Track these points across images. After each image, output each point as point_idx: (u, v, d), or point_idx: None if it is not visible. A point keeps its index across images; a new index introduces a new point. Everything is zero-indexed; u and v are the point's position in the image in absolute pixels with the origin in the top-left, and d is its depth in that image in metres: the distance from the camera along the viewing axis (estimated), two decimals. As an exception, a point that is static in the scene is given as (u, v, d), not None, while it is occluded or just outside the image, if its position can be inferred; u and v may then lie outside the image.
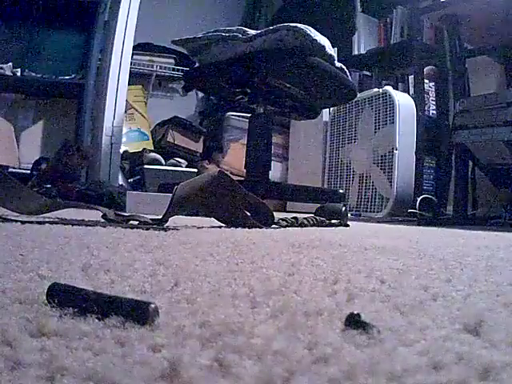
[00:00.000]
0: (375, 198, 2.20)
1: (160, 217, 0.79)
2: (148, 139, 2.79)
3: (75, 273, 0.32)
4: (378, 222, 1.77)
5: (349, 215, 1.79)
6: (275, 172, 2.50)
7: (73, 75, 2.42)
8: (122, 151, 2.34)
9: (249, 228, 0.85)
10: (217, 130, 2.89)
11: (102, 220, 0.81)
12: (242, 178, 1.70)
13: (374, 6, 2.64)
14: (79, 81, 2.38)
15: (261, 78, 1.52)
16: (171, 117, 2.80)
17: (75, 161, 1.85)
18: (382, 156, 2.19)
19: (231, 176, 0.86)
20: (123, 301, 0.21)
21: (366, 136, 2.29)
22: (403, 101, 2.17)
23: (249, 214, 0.89)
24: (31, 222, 0.70)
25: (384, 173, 2.16)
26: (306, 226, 1.02)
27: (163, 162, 2.61)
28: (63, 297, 0.22)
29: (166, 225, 0.79)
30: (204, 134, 2.87)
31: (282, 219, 0.99)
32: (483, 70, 2.17)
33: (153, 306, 0.21)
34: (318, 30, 1.42)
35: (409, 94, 2.34)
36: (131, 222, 0.81)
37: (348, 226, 1.14)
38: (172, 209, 0.77)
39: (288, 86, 1.56)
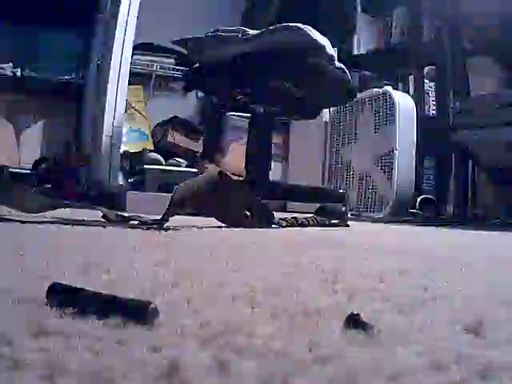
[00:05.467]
0: (375, 198, 2.20)
1: (160, 217, 0.79)
2: (148, 139, 2.79)
3: (75, 273, 0.32)
4: (378, 221, 1.77)
5: (349, 215, 1.79)
6: (275, 172, 2.49)
7: (73, 75, 2.41)
8: (122, 151, 2.34)
9: (249, 228, 0.85)
10: (217, 130, 2.89)
11: (102, 220, 0.81)
12: (242, 178, 1.70)
13: (374, 6, 2.64)
14: (79, 81, 2.38)
15: (261, 78, 1.52)
16: (171, 117, 2.79)
17: (75, 161, 1.85)
18: (381, 156, 2.19)
19: (231, 176, 0.86)
20: (123, 301, 0.21)
21: (365, 136, 2.29)
22: (403, 101, 2.16)
23: (249, 213, 0.89)
24: (31, 222, 0.70)
25: (384, 173, 2.16)
26: (306, 225, 1.02)
27: (163, 161, 2.61)
28: (63, 297, 0.22)
29: (166, 225, 0.79)
30: (204, 134, 2.87)
31: (282, 219, 0.99)
32: (483, 70, 2.17)
33: (153, 306, 0.21)
34: (318, 30, 1.42)
35: (409, 94, 2.34)
36: (131, 221, 0.81)
37: (348, 226, 1.14)
38: (172, 209, 0.77)
39: (288, 86, 1.56)
